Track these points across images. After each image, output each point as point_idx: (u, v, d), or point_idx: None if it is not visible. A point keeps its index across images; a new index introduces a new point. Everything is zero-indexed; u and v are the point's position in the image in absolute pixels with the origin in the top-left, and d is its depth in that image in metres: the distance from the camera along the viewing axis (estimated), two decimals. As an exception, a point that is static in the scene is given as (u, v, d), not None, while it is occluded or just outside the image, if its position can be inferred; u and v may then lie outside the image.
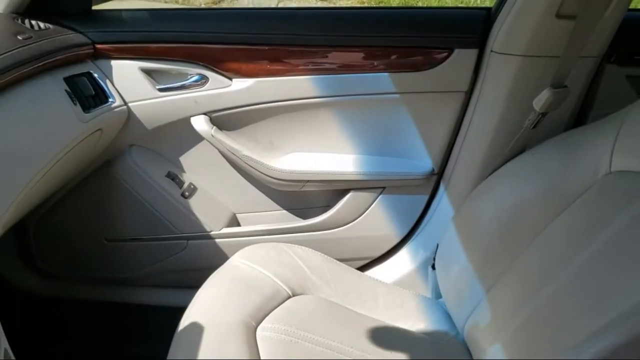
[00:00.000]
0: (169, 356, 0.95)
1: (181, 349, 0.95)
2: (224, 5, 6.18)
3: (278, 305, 1.09)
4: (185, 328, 0.99)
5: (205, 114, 1.30)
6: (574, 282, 0.88)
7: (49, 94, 1.10)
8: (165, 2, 5.89)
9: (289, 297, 1.13)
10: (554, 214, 1.02)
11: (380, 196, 1.40)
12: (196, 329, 0.98)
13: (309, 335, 1.02)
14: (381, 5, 6.32)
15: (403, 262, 1.43)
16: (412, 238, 1.44)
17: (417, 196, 1.41)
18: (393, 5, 6.37)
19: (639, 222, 0.85)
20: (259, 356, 0.96)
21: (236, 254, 1.20)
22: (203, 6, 5.94)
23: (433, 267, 1.29)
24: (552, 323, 0.87)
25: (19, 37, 1.08)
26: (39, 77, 1.08)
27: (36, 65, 1.06)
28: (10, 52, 1.01)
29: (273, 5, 5.92)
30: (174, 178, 1.37)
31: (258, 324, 1.03)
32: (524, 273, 1.01)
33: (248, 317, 1.03)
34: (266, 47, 1.27)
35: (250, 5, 5.97)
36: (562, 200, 1.02)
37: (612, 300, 0.76)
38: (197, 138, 1.33)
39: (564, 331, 0.80)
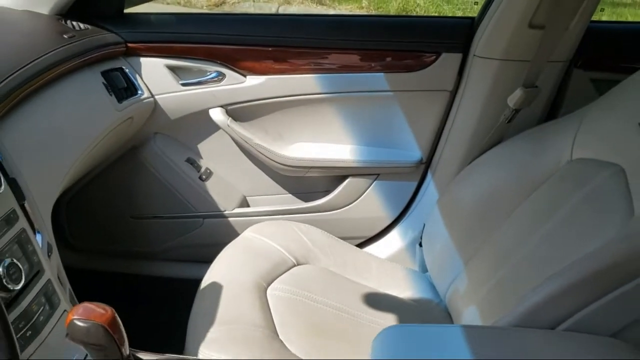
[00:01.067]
0: (194, 308, 1.10)
1: (204, 302, 1.10)
2: (225, 8, 6.31)
3: (284, 272, 1.24)
4: (207, 286, 1.14)
5: (222, 106, 1.45)
6: (536, 249, 1.03)
7: (90, 86, 1.24)
8: (168, 4, 6.00)
9: (294, 265, 1.28)
10: (524, 195, 1.16)
11: (375, 182, 1.54)
12: (216, 287, 1.13)
13: (311, 295, 1.17)
14: (380, 10, 6.47)
15: (394, 241, 1.57)
16: (403, 219, 1.57)
17: (407, 182, 1.54)
18: (391, 9, 6.53)
19: (589, 200, 1.00)
20: (269, 310, 1.11)
21: (248, 229, 1.35)
22: (205, 10, 6.07)
23: (420, 244, 1.44)
24: (516, 281, 1.03)
25: (65, 36, 1.22)
26: (81, 71, 1.23)
27: (79, 60, 1.21)
28: (59, 49, 1.15)
29: (274, 10, 6.07)
30: (193, 163, 1.52)
31: (268, 285, 1.18)
32: (497, 246, 1.16)
33: (259, 279, 1.18)
34: (276, 49, 1.41)
35: (252, 10, 6.11)
36: (531, 184, 1.17)
37: (564, 257, 0.91)
38: (214, 128, 1.47)
39: (524, 284, 0.95)
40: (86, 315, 0.67)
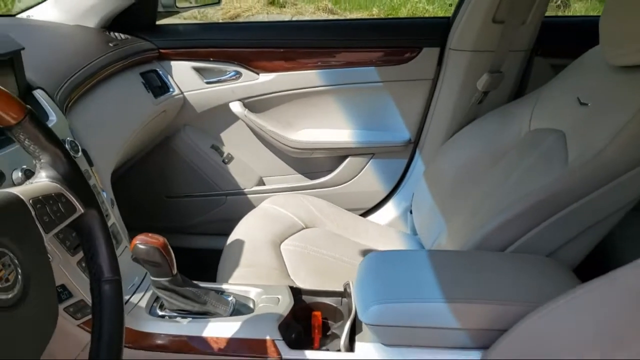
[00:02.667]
0: (222, 257, 1.33)
1: (231, 252, 1.33)
2: (240, 19, 6.58)
3: (295, 233, 1.46)
4: (232, 242, 1.37)
5: (239, 100, 1.67)
6: (498, 199, 1.23)
7: (132, 84, 1.48)
8: (185, 19, 6.27)
9: (303, 228, 1.50)
10: (494, 162, 1.37)
11: (371, 160, 1.75)
12: (240, 242, 1.36)
13: (316, 249, 1.39)
14: (389, 17, 6.72)
15: (390, 210, 1.78)
16: (396, 192, 1.78)
17: (398, 160, 1.75)
18: (401, 15, 6.79)
19: (539, 158, 1.20)
20: (283, 259, 1.33)
21: (265, 201, 1.58)
22: (221, 20, 6.35)
23: (411, 212, 1.65)
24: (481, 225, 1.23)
25: (110, 45, 1.46)
26: (124, 72, 1.47)
27: (123, 64, 1.44)
28: (106, 55, 1.39)
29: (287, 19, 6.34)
30: (217, 149, 1.75)
31: (281, 242, 1.40)
32: (471, 203, 1.37)
33: (275, 237, 1.40)
34: (284, 50, 1.63)
35: (266, 20, 6.38)
36: (499, 152, 1.37)
37: (515, 197, 1.11)
38: (233, 118, 1.70)
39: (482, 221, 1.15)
40: (146, 241, 0.90)
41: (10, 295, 0.52)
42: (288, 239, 1.42)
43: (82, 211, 0.67)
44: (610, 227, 1.05)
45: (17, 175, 0.82)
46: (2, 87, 0.60)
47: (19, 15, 1.55)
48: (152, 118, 1.51)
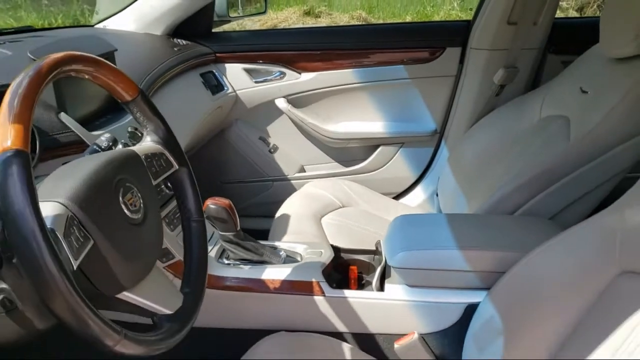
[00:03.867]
0: (272, 228, 1.53)
1: (279, 222, 1.53)
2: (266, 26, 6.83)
3: (333, 210, 1.66)
4: (280, 216, 1.57)
5: (284, 97, 1.88)
6: (513, 176, 1.39)
7: (193, 83, 1.71)
8: (223, 30, 6.53)
9: (340, 207, 1.69)
10: (509, 148, 1.53)
11: (400, 149, 1.93)
12: (286, 216, 1.56)
13: (352, 222, 1.58)
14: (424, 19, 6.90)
15: (417, 194, 1.95)
16: (424, 177, 1.95)
17: (425, 148, 1.93)
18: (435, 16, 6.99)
19: (546, 140, 1.37)
20: (323, 230, 1.53)
21: (306, 184, 1.78)
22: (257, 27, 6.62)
23: (437, 195, 1.83)
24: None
25: (174, 49, 1.69)
26: (187, 73, 1.69)
27: (185, 66, 1.66)
28: (172, 58, 1.61)
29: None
30: (264, 140, 1.96)
31: (322, 217, 1.60)
32: (489, 184, 1.54)
33: (316, 213, 1.60)
34: (323, 52, 1.84)
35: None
36: (514, 138, 1.53)
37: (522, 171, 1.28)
38: (278, 113, 1.91)
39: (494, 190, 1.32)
40: (215, 202, 1.11)
41: (138, 216, 0.73)
42: (327, 215, 1.61)
43: (177, 167, 0.89)
44: (604, 194, 1.21)
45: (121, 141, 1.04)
46: (123, 72, 0.82)
47: (97, 26, 1.80)
48: (209, 113, 1.72)
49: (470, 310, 1.04)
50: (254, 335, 1.05)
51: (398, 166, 1.95)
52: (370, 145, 1.96)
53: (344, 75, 1.85)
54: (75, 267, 0.60)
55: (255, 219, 2.03)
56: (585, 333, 0.83)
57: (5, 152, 0.56)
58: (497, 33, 1.66)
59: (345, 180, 1.81)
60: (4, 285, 0.64)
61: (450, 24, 1.94)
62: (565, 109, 1.39)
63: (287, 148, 1.99)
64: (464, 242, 1.06)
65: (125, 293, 0.72)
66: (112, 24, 1.77)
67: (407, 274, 1.08)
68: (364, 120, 1.92)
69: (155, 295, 0.75)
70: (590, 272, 0.86)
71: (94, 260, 0.65)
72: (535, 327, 0.88)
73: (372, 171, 1.97)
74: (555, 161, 1.21)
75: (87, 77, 0.76)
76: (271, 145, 1.97)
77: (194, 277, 0.86)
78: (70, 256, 0.60)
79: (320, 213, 1.61)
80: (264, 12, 2.05)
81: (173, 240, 1.12)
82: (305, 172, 2.02)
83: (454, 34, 1.79)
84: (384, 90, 1.87)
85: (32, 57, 1.02)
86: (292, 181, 1.99)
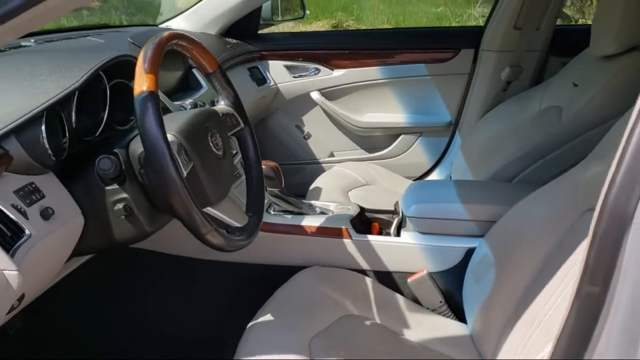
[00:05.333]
0: (306, 199, 1.78)
1: (311, 194, 1.78)
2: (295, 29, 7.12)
3: (359, 187, 1.90)
4: (313, 188, 1.82)
5: (318, 90, 2.13)
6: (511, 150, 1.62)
7: (243, 76, 1.97)
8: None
9: (365, 184, 1.93)
10: (512, 135, 1.76)
11: (419, 138, 2.16)
12: (318, 189, 1.80)
13: (376, 196, 1.82)
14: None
15: (433, 178, 2.17)
16: (440, 163, 2.17)
17: (441, 138, 2.15)
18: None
19: (542, 123, 1.59)
20: (349, 199, 1.77)
21: (336, 165, 2.03)
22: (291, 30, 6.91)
23: (450, 178, 2.06)
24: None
25: (227, 47, 1.96)
26: (237, 67, 1.96)
27: (236, 61, 1.93)
28: (225, 53, 1.88)
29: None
30: (299, 128, 2.22)
31: (348, 191, 1.84)
32: (494, 163, 1.76)
33: (344, 188, 1.83)
34: (353, 51, 2.09)
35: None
36: (517, 127, 1.76)
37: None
38: (313, 104, 2.16)
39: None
40: (265, 163, 1.37)
41: (220, 152, 0.99)
42: (353, 190, 1.86)
43: (243, 126, 1.15)
44: (587, 167, 1.43)
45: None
46: (209, 51, 1.09)
47: (160, 25, 2.09)
48: (255, 100, 1.99)
49: (470, 253, 1.27)
50: (293, 271, 1.30)
51: (417, 153, 2.18)
52: (392, 134, 2.19)
53: (371, 72, 2.10)
54: (184, 176, 0.87)
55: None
56: (555, 262, 1.05)
57: (143, 93, 0.83)
58: (505, 37, 1.90)
59: (370, 164, 2.05)
60: (125, 195, 0.91)
61: (464, 29, 2.18)
62: (560, 100, 1.61)
63: (319, 135, 2.24)
64: (467, 198, 1.30)
65: (209, 208, 0.98)
66: (173, 24, 2.04)
67: (419, 222, 1.32)
68: (387, 112, 2.16)
69: (229, 213, 1.01)
70: (560, 215, 1.07)
71: (193, 177, 0.91)
72: (519, 260, 1.11)
73: (393, 157, 2.20)
74: (547, 138, 1.45)
75: (185, 52, 1.03)
76: (305, 133, 2.22)
77: (256, 205, 1.12)
78: (182, 169, 0.86)
79: (348, 188, 1.85)
80: (303, 17, 2.32)
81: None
82: (334, 156, 2.26)
83: (468, 38, 2.03)
84: (406, 85, 2.11)
85: (132, 41, 1.30)
86: (322, 165, 2.23)
